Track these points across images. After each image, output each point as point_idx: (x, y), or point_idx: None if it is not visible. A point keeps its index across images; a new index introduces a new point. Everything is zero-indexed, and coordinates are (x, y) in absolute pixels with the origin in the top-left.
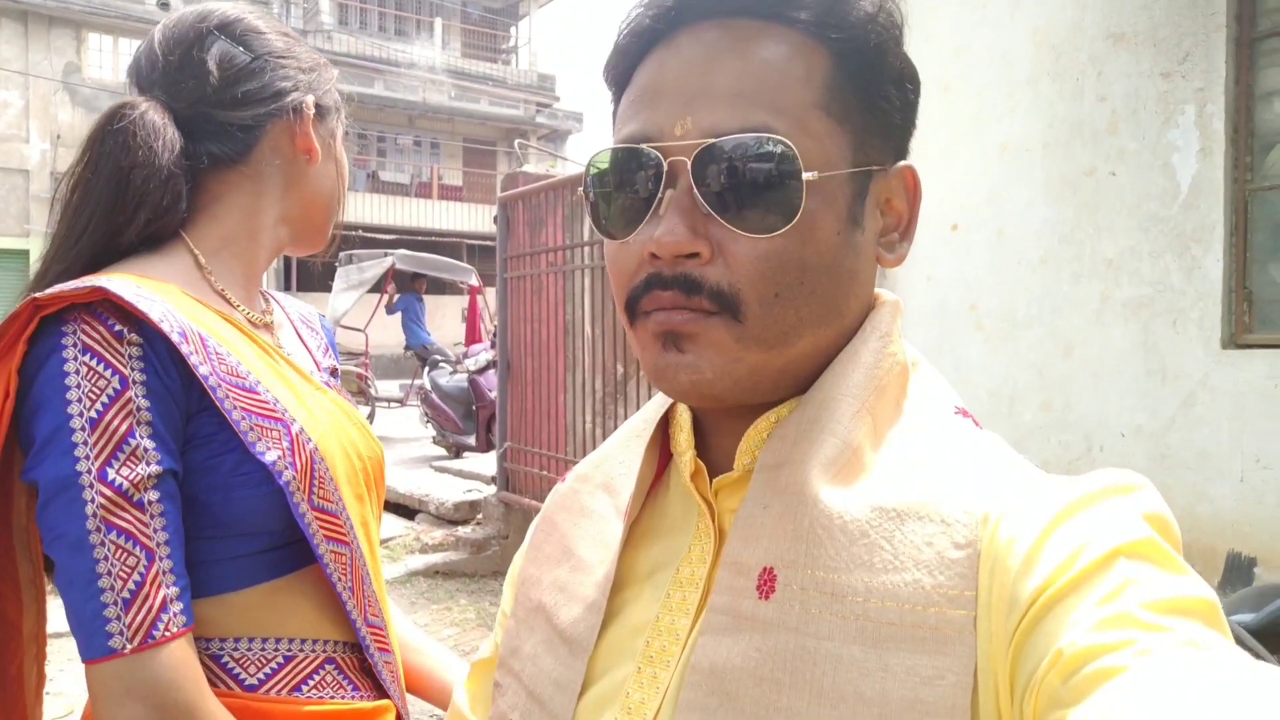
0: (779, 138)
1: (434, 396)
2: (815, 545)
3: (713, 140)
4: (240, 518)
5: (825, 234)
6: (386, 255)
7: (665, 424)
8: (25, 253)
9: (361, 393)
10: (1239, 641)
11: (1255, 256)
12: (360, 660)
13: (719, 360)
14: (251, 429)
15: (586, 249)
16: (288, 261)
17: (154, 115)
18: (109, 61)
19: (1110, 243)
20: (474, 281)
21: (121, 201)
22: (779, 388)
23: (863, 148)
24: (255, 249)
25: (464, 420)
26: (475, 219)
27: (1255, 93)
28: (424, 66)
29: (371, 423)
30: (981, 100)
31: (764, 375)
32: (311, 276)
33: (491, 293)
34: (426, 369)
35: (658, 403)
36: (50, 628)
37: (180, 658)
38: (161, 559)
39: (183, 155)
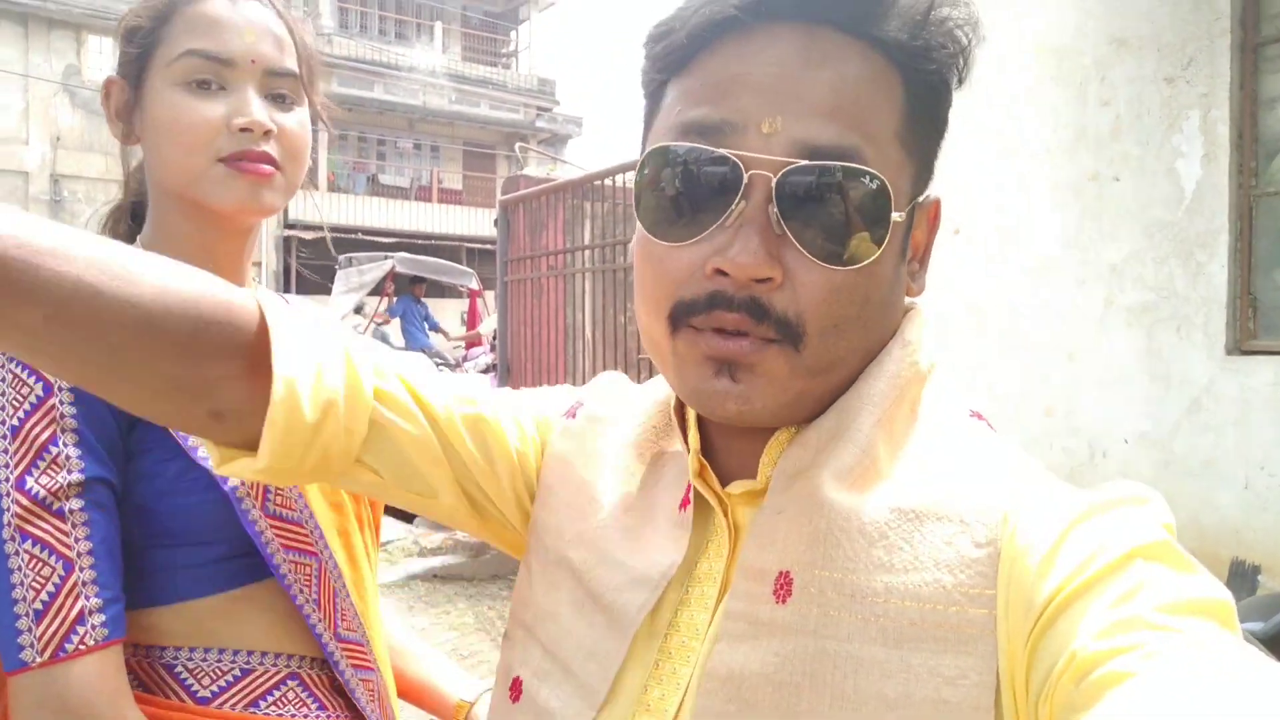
0: (875, 173)
1: None
2: (833, 547)
3: (803, 161)
4: (189, 525)
5: (886, 269)
6: (386, 258)
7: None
8: None
9: None
10: None
11: (1260, 263)
12: (331, 678)
13: (770, 391)
14: None
15: (587, 252)
16: (287, 264)
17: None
18: (109, 64)
19: (1114, 248)
20: (474, 285)
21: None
22: (815, 409)
23: (918, 180)
24: (191, 242)
25: None
26: (475, 222)
27: (1259, 98)
28: (424, 70)
29: None
30: (985, 105)
31: (805, 401)
32: (311, 280)
33: (492, 296)
34: None
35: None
36: None
37: (96, 672)
38: (82, 569)
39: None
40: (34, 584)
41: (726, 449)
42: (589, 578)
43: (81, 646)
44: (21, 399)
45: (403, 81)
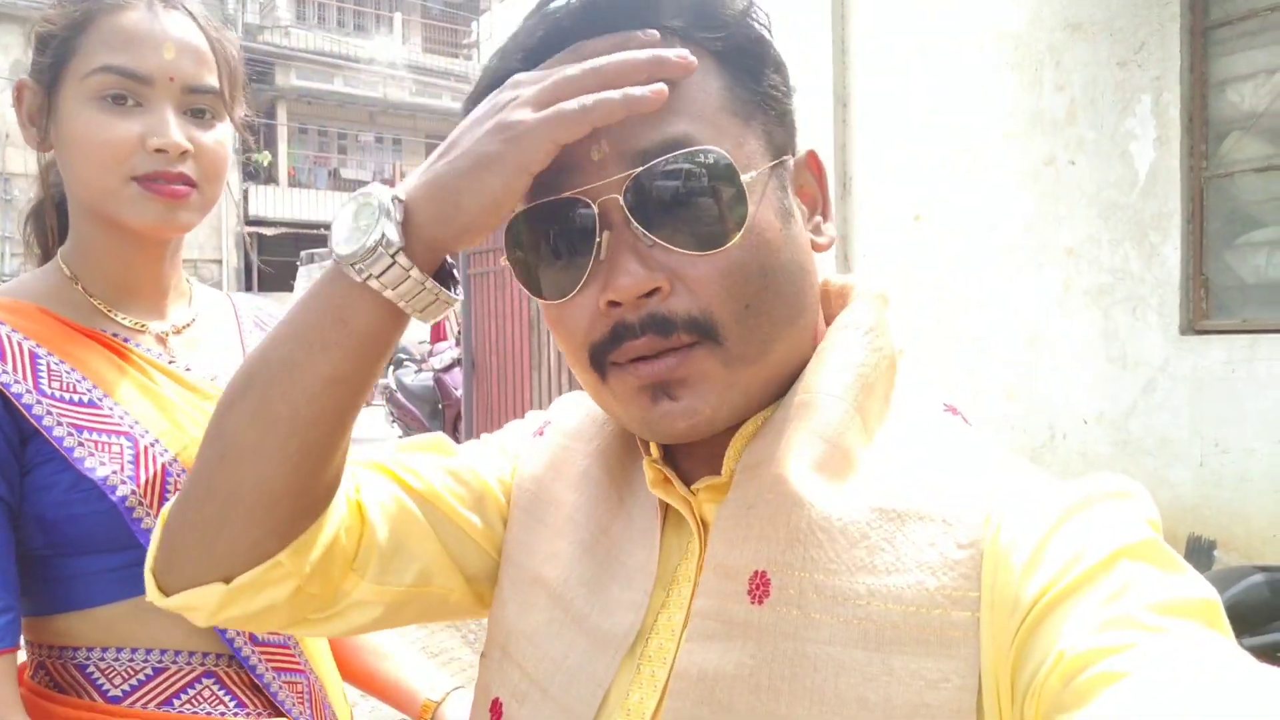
0: (708, 147)
1: (399, 396)
2: (814, 548)
3: (640, 169)
4: (88, 534)
5: (772, 234)
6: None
7: None
8: None
9: None
10: None
11: (1211, 244)
12: (250, 676)
13: (713, 393)
14: (81, 444)
15: None
16: (248, 261)
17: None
18: None
19: (1070, 232)
20: None
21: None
22: (765, 397)
23: (771, 141)
24: (108, 254)
25: (430, 419)
26: None
27: (1209, 81)
28: (384, 62)
29: None
30: (941, 91)
31: (753, 390)
32: (273, 276)
33: None
34: (392, 368)
35: None
36: None
37: None
38: None
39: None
40: None
41: (691, 447)
42: (567, 597)
43: None
44: None
45: (362, 74)
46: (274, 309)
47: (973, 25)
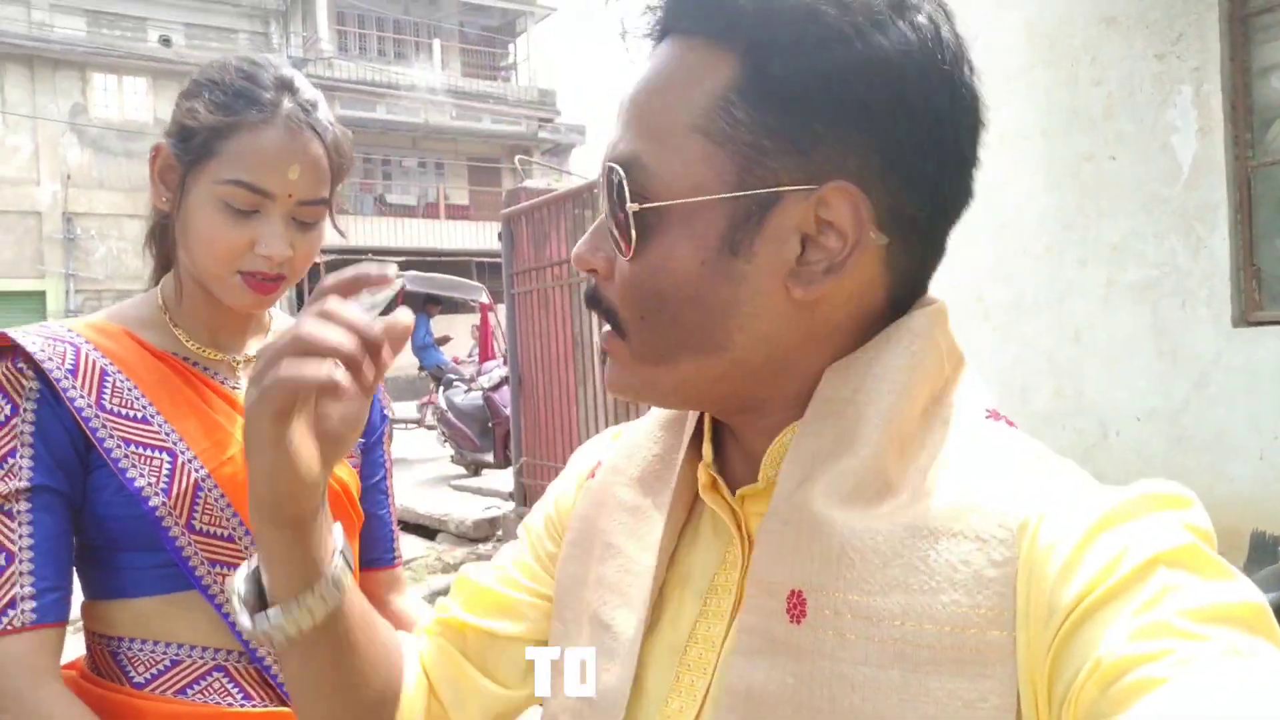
0: (616, 166)
1: (450, 415)
2: (847, 568)
3: (607, 163)
4: (127, 534)
5: (680, 264)
6: (396, 278)
7: (698, 426)
8: (41, 294)
9: None
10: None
11: (1261, 233)
12: (260, 671)
13: (620, 374)
14: (126, 456)
15: None
16: (300, 289)
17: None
18: (114, 101)
19: (1113, 227)
20: (484, 299)
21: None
22: (713, 401)
23: (755, 169)
24: (202, 305)
25: (480, 437)
26: (483, 236)
27: (1252, 69)
28: (425, 88)
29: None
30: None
31: (660, 390)
32: None
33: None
34: (441, 388)
35: None
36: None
37: (18, 650)
38: (21, 561)
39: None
40: None
41: (734, 455)
42: (602, 617)
43: (9, 627)
44: None
45: (404, 100)
46: None
47: (1006, 25)
